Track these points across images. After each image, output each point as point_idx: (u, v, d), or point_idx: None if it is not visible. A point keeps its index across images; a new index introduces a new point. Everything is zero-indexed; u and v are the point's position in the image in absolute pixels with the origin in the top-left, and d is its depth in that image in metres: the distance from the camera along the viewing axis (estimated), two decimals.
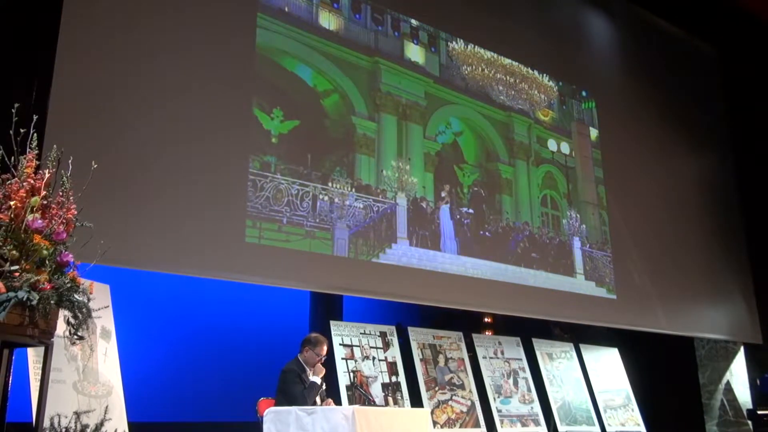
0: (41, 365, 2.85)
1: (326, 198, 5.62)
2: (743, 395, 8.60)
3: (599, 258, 7.57)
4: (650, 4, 9.08)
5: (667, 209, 8.44)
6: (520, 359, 7.07)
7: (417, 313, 7.25)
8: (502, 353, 6.97)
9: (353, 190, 5.83)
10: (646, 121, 8.61)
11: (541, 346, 7.36)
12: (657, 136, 8.66)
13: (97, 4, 4.71)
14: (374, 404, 5.49)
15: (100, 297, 3.60)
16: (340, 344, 5.82)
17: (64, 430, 3.47)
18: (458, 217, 6.50)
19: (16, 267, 2.64)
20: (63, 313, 2.81)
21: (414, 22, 6.69)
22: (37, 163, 2.91)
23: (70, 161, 2.96)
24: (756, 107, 9.35)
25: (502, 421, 6.44)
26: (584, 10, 8.63)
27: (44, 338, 2.77)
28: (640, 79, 8.74)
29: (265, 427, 4.28)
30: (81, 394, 4.09)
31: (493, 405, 6.52)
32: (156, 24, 4.98)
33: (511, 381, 6.81)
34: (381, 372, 5.96)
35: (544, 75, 7.72)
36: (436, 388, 6.19)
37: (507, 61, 7.39)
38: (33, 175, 2.85)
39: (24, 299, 2.58)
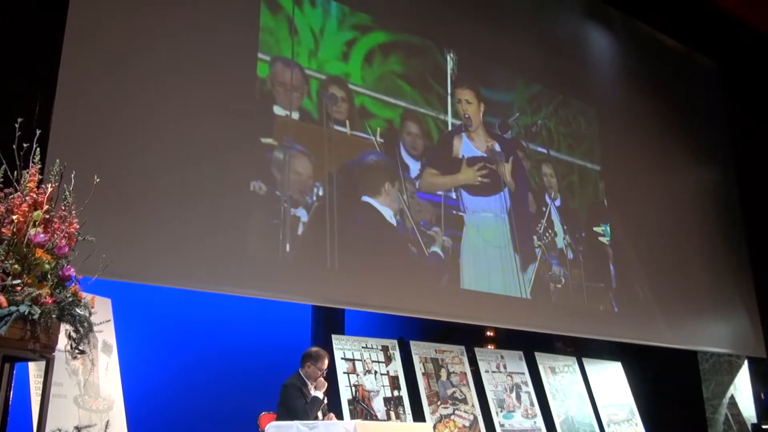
0: (42, 379, 2.84)
1: None
2: (747, 409, 8.55)
3: None
4: (650, 17, 9.12)
5: (670, 223, 8.44)
6: (523, 373, 7.04)
7: (419, 327, 7.23)
8: (505, 367, 6.94)
9: None
10: (647, 136, 8.62)
11: (543, 360, 7.33)
12: (658, 150, 8.67)
13: (100, 17, 4.74)
14: (376, 419, 5.47)
15: (101, 311, 3.60)
16: (341, 358, 5.80)
17: None
18: None
19: (18, 281, 2.64)
20: (64, 327, 2.81)
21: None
22: (40, 177, 2.92)
23: (72, 175, 2.97)
24: (757, 121, 9.36)
25: None
26: (584, 25, 8.66)
27: (45, 352, 2.76)
28: (640, 93, 8.76)
29: None
30: (82, 408, 4.08)
31: (496, 419, 6.48)
32: (160, 38, 5.01)
33: (513, 395, 6.78)
34: (383, 386, 5.93)
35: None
36: (439, 403, 6.16)
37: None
38: (35, 189, 2.85)
39: (25, 313, 2.58)
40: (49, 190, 2.87)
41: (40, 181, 2.91)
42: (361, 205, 5.89)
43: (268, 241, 5.25)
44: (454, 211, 6.49)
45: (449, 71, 6.90)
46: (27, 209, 2.78)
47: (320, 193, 5.65)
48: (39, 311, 2.62)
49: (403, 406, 5.96)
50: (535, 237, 7.06)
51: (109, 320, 4.40)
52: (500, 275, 6.62)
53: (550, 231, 7.22)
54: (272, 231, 5.28)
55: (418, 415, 5.99)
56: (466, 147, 6.84)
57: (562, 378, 7.33)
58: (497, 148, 7.09)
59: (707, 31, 9.25)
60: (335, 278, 5.54)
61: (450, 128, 6.77)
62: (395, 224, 6.01)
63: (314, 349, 5.06)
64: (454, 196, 6.54)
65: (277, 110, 5.60)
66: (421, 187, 6.34)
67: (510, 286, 6.66)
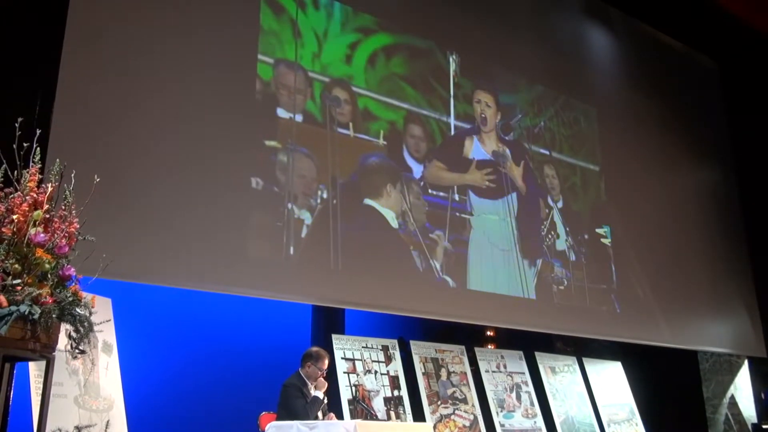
0: (42, 379, 2.84)
1: None
2: (748, 409, 8.55)
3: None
4: (651, 17, 9.13)
5: (670, 223, 8.44)
6: (523, 373, 7.03)
7: (419, 327, 7.23)
8: (505, 367, 6.94)
9: None
10: (647, 136, 8.62)
11: (543, 360, 7.33)
12: (658, 150, 8.67)
13: (100, 18, 4.74)
14: (376, 418, 5.46)
15: (101, 311, 3.60)
16: (342, 358, 5.80)
17: None
18: None
19: (18, 281, 2.64)
20: (64, 327, 2.81)
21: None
22: (40, 177, 2.92)
23: (72, 175, 2.97)
24: (757, 121, 9.36)
25: None
26: (584, 25, 8.67)
27: (46, 352, 2.76)
28: (640, 93, 8.77)
29: None
30: (82, 408, 4.08)
31: (496, 419, 6.48)
32: (160, 39, 5.01)
33: (513, 395, 6.78)
34: (383, 386, 5.93)
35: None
36: (439, 403, 6.16)
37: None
38: (36, 189, 2.85)
39: (26, 313, 2.58)
40: (49, 189, 2.87)
41: (40, 181, 2.91)
42: (363, 207, 5.89)
43: (272, 243, 5.25)
44: (459, 213, 6.49)
45: (452, 73, 6.90)
46: (27, 209, 2.78)
47: (324, 195, 5.65)
48: (39, 311, 2.62)
49: (403, 405, 5.96)
50: (538, 239, 7.06)
51: (109, 320, 4.40)
52: (505, 277, 6.62)
53: (552, 233, 7.23)
54: (276, 233, 5.28)
55: (418, 415, 5.99)
56: (477, 149, 6.85)
57: (562, 378, 7.32)
58: (507, 152, 7.10)
59: (707, 31, 9.25)
60: (339, 279, 5.54)
61: (453, 130, 6.77)
62: (397, 226, 6.01)
63: (314, 349, 5.06)
64: (458, 198, 6.53)
65: (281, 113, 5.60)
66: (426, 179, 6.34)
67: (514, 287, 6.66)
